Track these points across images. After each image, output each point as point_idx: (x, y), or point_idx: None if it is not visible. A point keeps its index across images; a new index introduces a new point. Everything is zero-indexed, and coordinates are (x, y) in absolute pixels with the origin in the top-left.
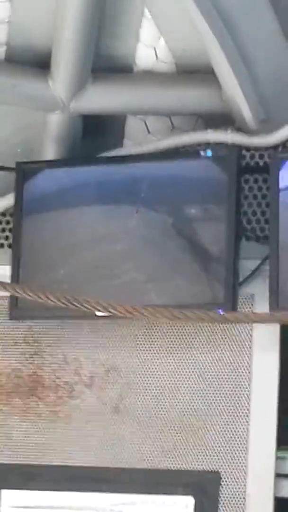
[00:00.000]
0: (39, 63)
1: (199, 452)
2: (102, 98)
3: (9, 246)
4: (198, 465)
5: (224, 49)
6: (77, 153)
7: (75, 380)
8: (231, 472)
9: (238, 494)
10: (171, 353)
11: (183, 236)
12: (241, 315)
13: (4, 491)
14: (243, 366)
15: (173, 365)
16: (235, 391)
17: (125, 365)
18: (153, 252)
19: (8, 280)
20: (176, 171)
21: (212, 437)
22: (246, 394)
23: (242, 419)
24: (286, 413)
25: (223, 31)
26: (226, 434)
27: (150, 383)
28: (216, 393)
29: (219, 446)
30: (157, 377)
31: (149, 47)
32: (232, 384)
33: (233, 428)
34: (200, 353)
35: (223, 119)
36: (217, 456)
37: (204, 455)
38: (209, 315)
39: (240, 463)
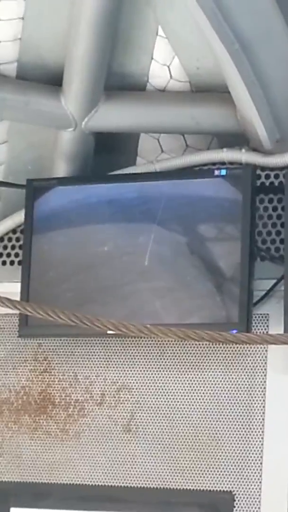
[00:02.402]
0: (51, 80)
1: (212, 472)
2: (114, 116)
3: (19, 263)
4: (211, 485)
5: (240, 69)
6: (89, 171)
7: (86, 398)
8: (245, 493)
9: None
10: (183, 373)
11: (197, 255)
12: (255, 336)
13: (13, 510)
14: (257, 387)
15: (186, 385)
16: (249, 412)
17: (136, 384)
18: (166, 271)
19: (18, 298)
20: (190, 190)
21: (226, 458)
22: (260, 415)
23: (256, 440)
24: None
25: (239, 52)
26: (240, 454)
27: (162, 403)
28: (230, 414)
29: (232, 467)
30: (169, 397)
31: (163, 66)
32: (246, 405)
33: (247, 449)
34: (213, 374)
35: (238, 138)
36: (230, 476)
37: (217, 475)
38: (223, 336)
39: (254, 484)
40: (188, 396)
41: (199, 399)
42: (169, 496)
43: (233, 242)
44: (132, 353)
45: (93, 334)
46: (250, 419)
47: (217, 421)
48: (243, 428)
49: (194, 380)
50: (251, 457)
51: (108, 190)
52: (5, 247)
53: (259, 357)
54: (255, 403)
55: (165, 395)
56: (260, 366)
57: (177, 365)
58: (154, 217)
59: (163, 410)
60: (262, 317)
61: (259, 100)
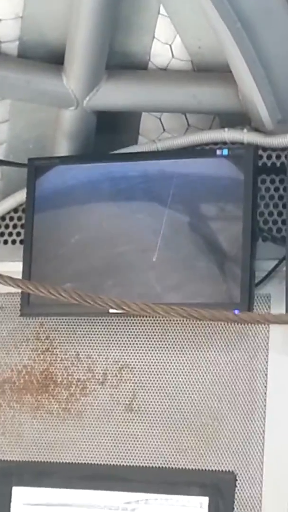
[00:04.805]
0: (53, 59)
1: (214, 452)
2: (116, 95)
3: (21, 242)
4: (213, 465)
5: (241, 49)
6: (90, 150)
7: (88, 377)
8: (247, 473)
9: (254, 495)
10: (185, 353)
11: (198, 234)
12: (257, 315)
13: (15, 488)
14: (259, 367)
15: (188, 365)
16: (251, 392)
17: (138, 363)
18: (168, 251)
19: (20, 277)
20: (191, 169)
21: (228, 438)
22: (262, 395)
23: (258, 420)
24: None
25: (240, 31)
26: (242, 434)
27: (163, 382)
28: (232, 394)
29: (234, 447)
30: (171, 376)
31: (165, 45)
32: (248, 385)
33: (248, 429)
34: (215, 354)
35: (240, 118)
36: (232, 456)
37: (219, 455)
38: (225, 315)
39: (256, 464)
40: (190, 376)
41: (201, 379)
42: (170, 476)
43: (235, 222)
44: (134, 332)
45: (95, 313)
46: (252, 399)
47: (219, 401)
48: (245, 408)
49: (196, 360)
50: (253, 437)
51: (110, 169)
52: (6, 226)
53: (261, 337)
54: (257, 383)
55: (167, 375)
56: (262, 346)
57: (179, 345)
58: (155, 195)
59: (165, 390)
60: (263, 297)
61: (260, 80)
